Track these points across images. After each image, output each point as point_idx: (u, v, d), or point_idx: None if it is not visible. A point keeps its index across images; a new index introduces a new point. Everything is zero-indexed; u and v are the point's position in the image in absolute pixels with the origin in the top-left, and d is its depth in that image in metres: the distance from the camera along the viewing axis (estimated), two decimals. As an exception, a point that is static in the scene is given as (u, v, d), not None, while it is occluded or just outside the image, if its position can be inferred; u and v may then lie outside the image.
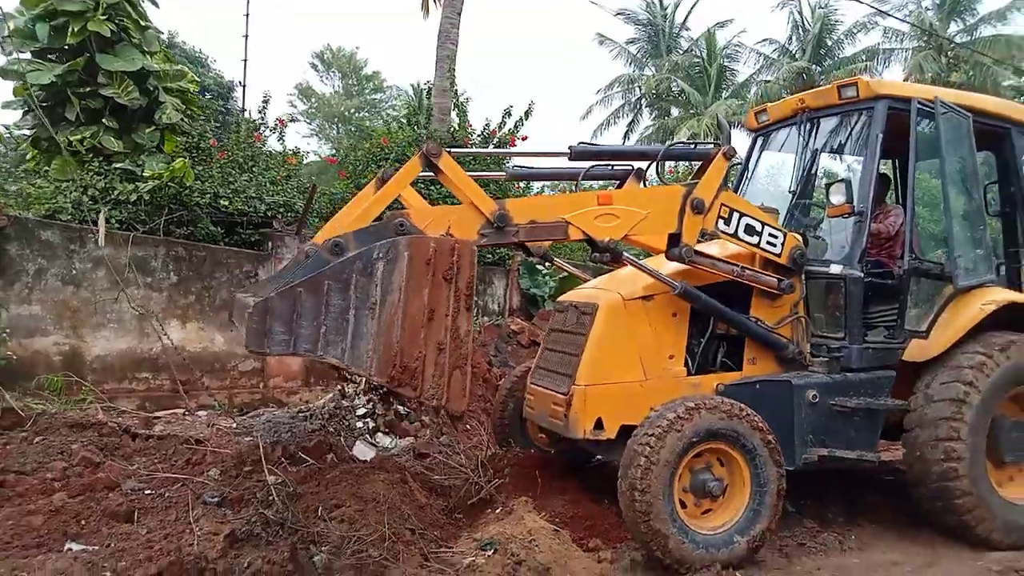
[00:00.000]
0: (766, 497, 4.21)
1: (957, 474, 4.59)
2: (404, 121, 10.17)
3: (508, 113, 10.25)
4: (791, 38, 37.07)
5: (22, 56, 7.39)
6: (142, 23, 7.75)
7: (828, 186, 4.97)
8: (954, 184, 5.13)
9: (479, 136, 10.08)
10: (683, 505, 4.18)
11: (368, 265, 3.36)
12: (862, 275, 4.92)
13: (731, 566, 4.04)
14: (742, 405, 4.35)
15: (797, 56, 36.04)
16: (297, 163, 8.91)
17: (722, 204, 4.72)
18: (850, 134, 5.56)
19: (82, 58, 7.26)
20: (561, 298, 5.52)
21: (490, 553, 4.04)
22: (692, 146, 5.10)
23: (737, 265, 4.85)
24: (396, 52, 65.24)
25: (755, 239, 4.85)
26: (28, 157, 8.05)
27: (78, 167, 7.36)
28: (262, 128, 8.86)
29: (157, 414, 6.46)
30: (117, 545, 3.88)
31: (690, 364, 4.97)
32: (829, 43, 36.29)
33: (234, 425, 6.15)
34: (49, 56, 7.63)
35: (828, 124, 5.67)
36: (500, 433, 5.96)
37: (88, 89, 7.40)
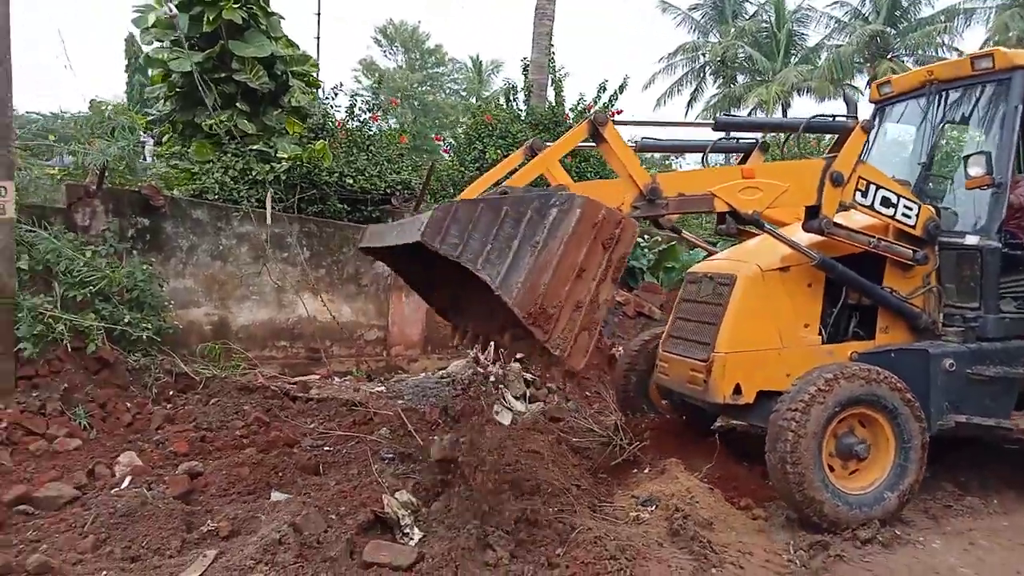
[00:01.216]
0: (911, 453, 4.44)
1: None
2: (502, 98, 10.44)
3: (603, 88, 10.44)
4: (864, 0, 35.75)
5: (163, 45, 7.91)
6: (268, 10, 8.18)
7: (966, 158, 5.05)
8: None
9: (574, 111, 10.28)
10: (831, 469, 4.44)
11: (543, 207, 3.50)
12: (1000, 246, 5.04)
13: (885, 522, 4.30)
14: (878, 369, 4.57)
15: (871, 19, 34.81)
16: (409, 142, 9.34)
17: (859, 177, 4.89)
18: (981, 105, 5.60)
19: (218, 45, 7.73)
20: (693, 269, 5.77)
21: (652, 508, 4.38)
22: (831, 119, 5.23)
23: (874, 236, 5.02)
24: (456, 25, 65.21)
25: (891, 211, 5.00)
26: (164, 140, 8.63)
27: (214, 149, 7.89)
28: (375, 108, 9.29)
29: (305, 378, 6.98)
30: (316, 495, 4.34)
31: (823, 333, 5.18)
32: (905, 3, 34.85)
33: (383, 389, 6.65)
34: (181, 46, 8.12)
35: (958, 96, 5.73)
36: (624, 401, 6.27)
37: (222, 75, 7.88)
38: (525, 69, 10.65)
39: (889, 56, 34.16)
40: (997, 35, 31.48)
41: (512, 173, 4.85)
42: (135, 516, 3.84)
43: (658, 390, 6.13)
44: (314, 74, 8.76)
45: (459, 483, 4.14)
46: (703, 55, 38.64)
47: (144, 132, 8.89)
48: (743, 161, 5.64)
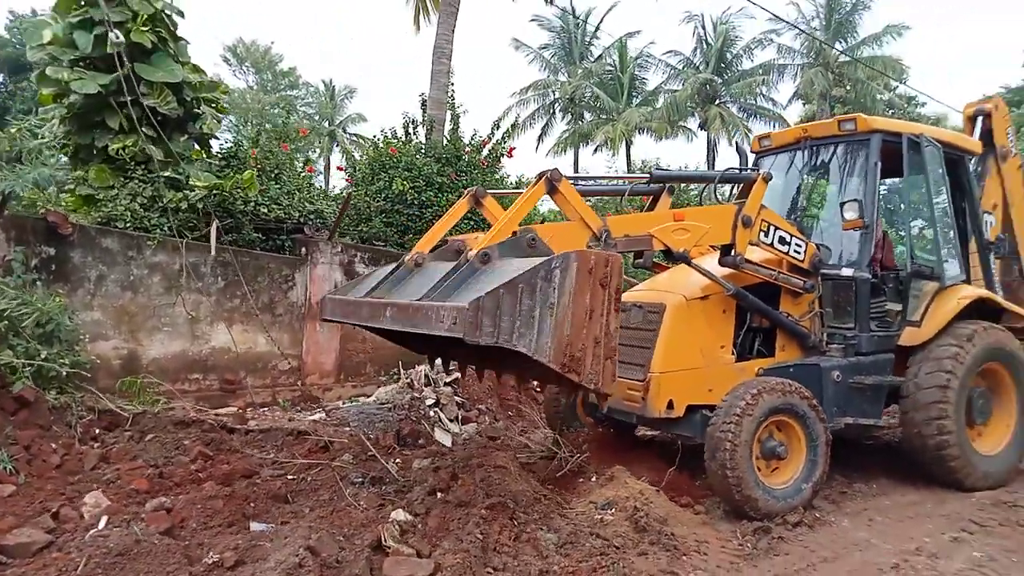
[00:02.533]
0: (818, 449, 5.29)
1: (949, 444, 5.82)
2: (403, 131, 10.68)
3: (497, 125, 11.01)
4: (695, 51, 39.45)
5: (61, 64, 7.49)
6: (176, 34, 8.00)
7: (842, 204, 6.07)
8: (937, 202, 6.41)
9: (471, 146, 10.74)
10: (758, 469, 5.17)
11: (548, 273, 3.99)
12: (870, 277, 6.11)
13: (804, 508, 5.09)
14: (790, 382, 5.41)
15: (701, 68, 38.49)
16: (315, 171, 9.34)
17: (763, 220, 5.76)
18: (847, 160, 6.72)
19: (125, 68, 7.46)
20: (622, 299, 6.40)
21: (612, 511, 4.87)
22: (739, 171, 6.09)
23: (774, 269, 5.91)
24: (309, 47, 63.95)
25: (786, 248, 5.92)
26: (52, 163, 8.09)
27: (115, 175, 7.58)
28: (283, 138, 9.23)
29: (239, 410, 6.84)
30: (295, 523, 4.43)
31: (734, 352, 5.98)
32: (729, 57, 38.83)
33: (321, 417, 6.67)
34: (79, 65, 7.74)
35: (826, 151, 6.84)
36: (553, 419, 6.81)
37: (128, 99, 7.59)
38: (423, 104, 11.01)
39: (717, 103, 38.00)
40: (805, 88, 36.06)
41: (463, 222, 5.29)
42: (130, 554, 3.77)
43: (584, 407, 6.71)
44: (222, 101, 8.61)
45: (449, 499, 4.42)
46: (553, 92, 40.77)
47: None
48: (653, 202, 6.37)
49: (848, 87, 35.49)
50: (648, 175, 5.74)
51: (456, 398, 7.19)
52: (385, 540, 3.96)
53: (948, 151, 6.68)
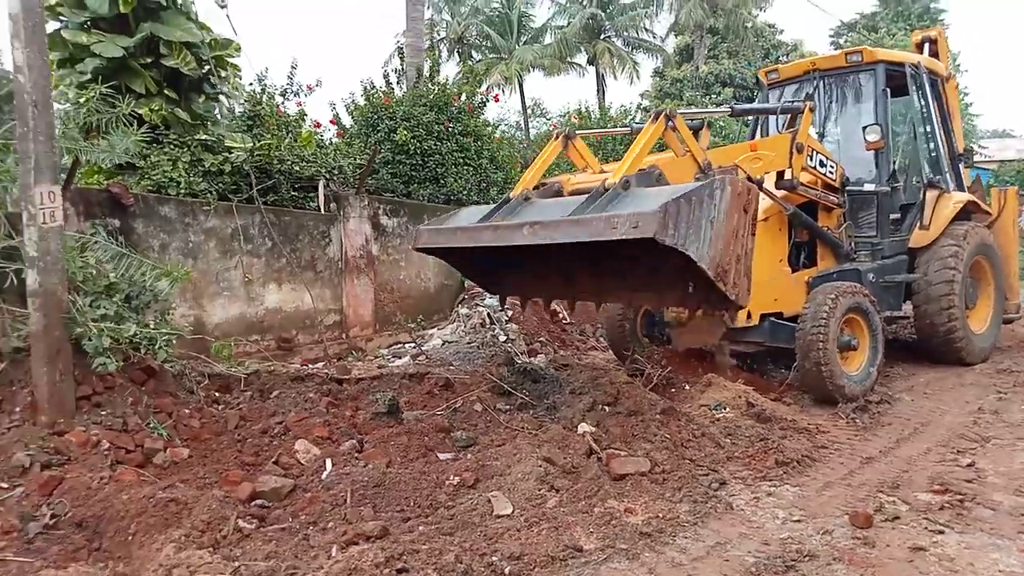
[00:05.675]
0: (878, 338, 6.29)
1: (956, 328, 7.03)
2: (383, 81, 10.64)
3: (472, 71, 11.19)
4: (579, -16, 39.77)
5: (73, 26, 7.06)
6: (184, -11, 7.68)
7: (865, 128, 6.95)
8: (938, 123, 7.45)
9: (456, 93, 10.87)
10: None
11: (711, 191, 4.46)
12: (889, 190, 7.09)
13: (873, 389, 6.07)
14: (857, 285, 6.33)
15: (585, 3, 39.04)
16: (321, 126, 9.27)
17: (808, 146, 6.55)
18: (854, 88, 7.62)
19: (146, 29, 7.16)
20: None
21: (726, 409, 5.62)
22: (792, 103, 6.81)
23: (817, 189, 6.76)
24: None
25: (824, 170, 6.78)
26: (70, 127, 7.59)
27: (140, 140, 7.33)
28: (289, 95, 9.02)
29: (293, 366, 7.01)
30: (512, 443, 4.81)
31: (789, 265, 6.82)
32: (611, -11, 39.48)
33: (424, 359, 6.97)
34: (91, 27, 7.32)
35: (834, 81, 7.70)
36: (617, 343, 7.49)
37: (148, 60, 7.30)
38: (400, 52, 10.95)
39: (603, 37, 38.87)
40: (684, 20, 37.52)
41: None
42: (384, 484, 4.13)
43: (642, 328, 7.43)
44: (235, 59, 8.33)
45: (618, 411, 5.01)
46: (438, 32, 40.12)
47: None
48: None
49: (720, 17, 37.27)
50: (731, 108, 6.37)
51: (522, 334, 7.69)
52: (593, 447, 4.51)
53: (931, 76, 7.73)
